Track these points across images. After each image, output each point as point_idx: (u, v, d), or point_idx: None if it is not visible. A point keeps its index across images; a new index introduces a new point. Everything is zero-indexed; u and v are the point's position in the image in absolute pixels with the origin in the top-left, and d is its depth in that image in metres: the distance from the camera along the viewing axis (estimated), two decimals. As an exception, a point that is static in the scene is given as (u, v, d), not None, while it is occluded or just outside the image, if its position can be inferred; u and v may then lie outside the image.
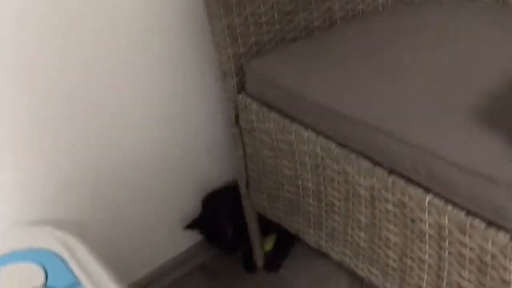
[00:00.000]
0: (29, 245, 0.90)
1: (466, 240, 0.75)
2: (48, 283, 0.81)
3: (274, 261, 1.42)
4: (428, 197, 0.79)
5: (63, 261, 0.86)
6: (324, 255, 1.39)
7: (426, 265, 0.85)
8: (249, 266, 1.43)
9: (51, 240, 0.91)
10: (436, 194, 0.78)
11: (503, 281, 0.73)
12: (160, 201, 1.34)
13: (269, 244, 1.41)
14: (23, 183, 1.05)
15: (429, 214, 0.80)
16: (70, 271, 0.84)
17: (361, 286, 1.32)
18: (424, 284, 0.87)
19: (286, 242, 1.42)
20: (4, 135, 0.99)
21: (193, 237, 1.45)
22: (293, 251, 1.43)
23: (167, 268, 1.42)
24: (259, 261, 1.41)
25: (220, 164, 1.41)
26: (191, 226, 1.40)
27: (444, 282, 0.83)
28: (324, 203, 1.02)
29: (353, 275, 1.34)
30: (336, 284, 1.34)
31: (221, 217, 1.37)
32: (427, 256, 0.84)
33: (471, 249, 0.76)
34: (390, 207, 0.86)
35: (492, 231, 0.72)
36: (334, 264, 1.37)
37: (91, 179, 1.17)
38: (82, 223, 1.18)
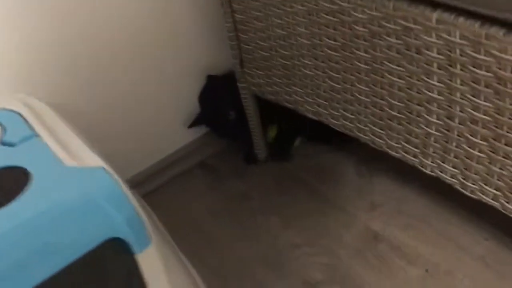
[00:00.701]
0: (-10, 107, 0.81)
1: (481, 57, 0.63)
2: (5, 137, 0.73)
3: (279, 149, 1.32)
4: (435, 14, 0.66)
5: (23, 118, 0.77)
6: (331, 149, 1.31)
7: (435, 105, 0.73)
8: (250, 158, 1.35)
9: (15, 102, 0.82)
10: (445, 9, 0.65)
11: (526, 99, 0.60)
12: (157, 96, 1.25)
13: (272, 131, 1.31)
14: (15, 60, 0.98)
15: (437, 36, 0.67)
16: (29, 126, 0.75)
17: (369, 175, 1.22)
18: (433, 129, 0.76)
19: (289, 131, 1.32)
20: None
21: (191, 134, 1.36)
22: (299, 147, 1.33)
23: (166, 164, 1.34)
24: (261, 152, 1.32)
25: (217, 54, 1.30)
26: (195, 123, 1.31)
27: (456, 121, 0.71)
28: (320, 59, 0.90)
29: (360, 164, 1.24)
30: (343, 173, 1.24)
31: (222, 104, 1.27)
32: (436, 93, 0.72)
33: (487, 68, 0.63)
34: (392, 40, 0.73)
35: (512, 38, 0.59)
36: (341, 156, 1.28)
37: (84, 65, 1.09)
38: (78, 113, 1.10)
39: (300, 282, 1.04)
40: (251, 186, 1.28)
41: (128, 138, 1.25)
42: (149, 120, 1.27)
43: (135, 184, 1.27)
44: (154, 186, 1.33)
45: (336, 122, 0.96)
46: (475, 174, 0.73)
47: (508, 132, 0.65)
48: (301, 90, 1.00)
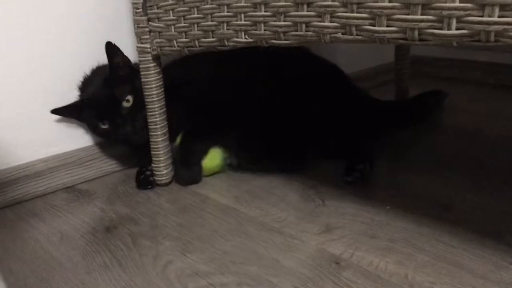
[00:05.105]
0: None
1: None
2: None
3: (183, 165, 0.90)
4: None
5: None
6: (264, 174, 0.92)
7: None
8: (146, 178, 0.91)
9: None
10: None
11: None
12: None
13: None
14: None
15: None
16: None
17: (320, 198, 0.81)
18: None
19: (197, 140, 0.91)
20: None
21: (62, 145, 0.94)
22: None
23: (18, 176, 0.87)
24: (163, 169, 0.89)
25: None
26: (64, 110, 0.90)
27: None
28: None
29: (306, 188, 0.85)
30: (281, 196, 0.82)
31: (116, 88, 0.88)
32: None
33: None
34: None
35: None
36: (278, 180, 0.88)
37: None
38: None
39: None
40: (140, 211, 0.83)
41: None
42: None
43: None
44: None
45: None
46: None
47: None
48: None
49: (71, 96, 0.91)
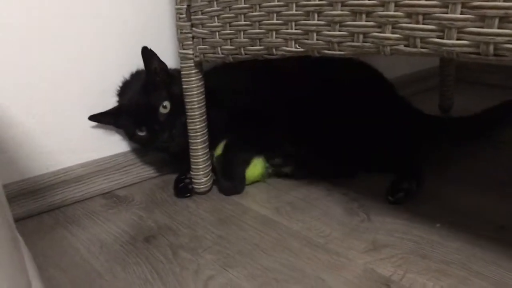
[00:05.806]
0: None
1: None
2: None
3: (225, 175, 0.88)
4: None
5: None
6: (305, 184, 0.89)
7: None
8: (184, 187, 0.89)
9: None
10: None
11: None
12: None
13: (220, 147, 0.89)
14: None
15: None
16: None
17: (365, 213, 0.78)
18: None
19: (240, 149, 0.89)
20: None
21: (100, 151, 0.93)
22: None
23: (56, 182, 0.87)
24: (202, 177, 0.87)
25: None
26: (100, 117, 0.89)
27: None
28: None
29: (350, 201, 0.82)
30: (324, 209, 0.79)
31: (153, 94, 0.86)
32: None
33: None
34: None
35: None
36: (320, 191, 0.85)
37: None
38: None
39: None
40: (178, 220, 0.81)
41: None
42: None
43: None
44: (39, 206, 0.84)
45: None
46: None
47: None
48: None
49: (110, 101, 0.90)
